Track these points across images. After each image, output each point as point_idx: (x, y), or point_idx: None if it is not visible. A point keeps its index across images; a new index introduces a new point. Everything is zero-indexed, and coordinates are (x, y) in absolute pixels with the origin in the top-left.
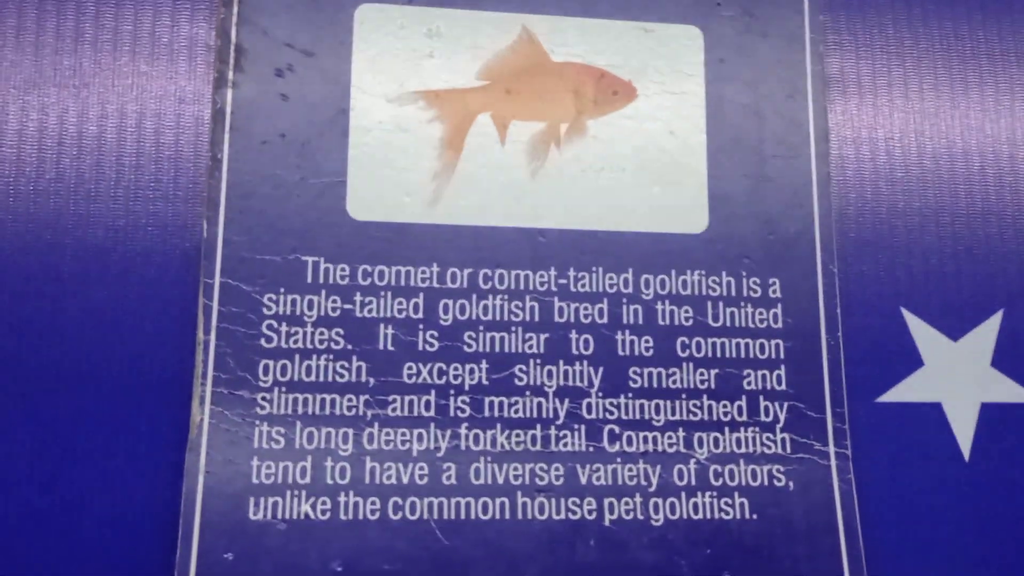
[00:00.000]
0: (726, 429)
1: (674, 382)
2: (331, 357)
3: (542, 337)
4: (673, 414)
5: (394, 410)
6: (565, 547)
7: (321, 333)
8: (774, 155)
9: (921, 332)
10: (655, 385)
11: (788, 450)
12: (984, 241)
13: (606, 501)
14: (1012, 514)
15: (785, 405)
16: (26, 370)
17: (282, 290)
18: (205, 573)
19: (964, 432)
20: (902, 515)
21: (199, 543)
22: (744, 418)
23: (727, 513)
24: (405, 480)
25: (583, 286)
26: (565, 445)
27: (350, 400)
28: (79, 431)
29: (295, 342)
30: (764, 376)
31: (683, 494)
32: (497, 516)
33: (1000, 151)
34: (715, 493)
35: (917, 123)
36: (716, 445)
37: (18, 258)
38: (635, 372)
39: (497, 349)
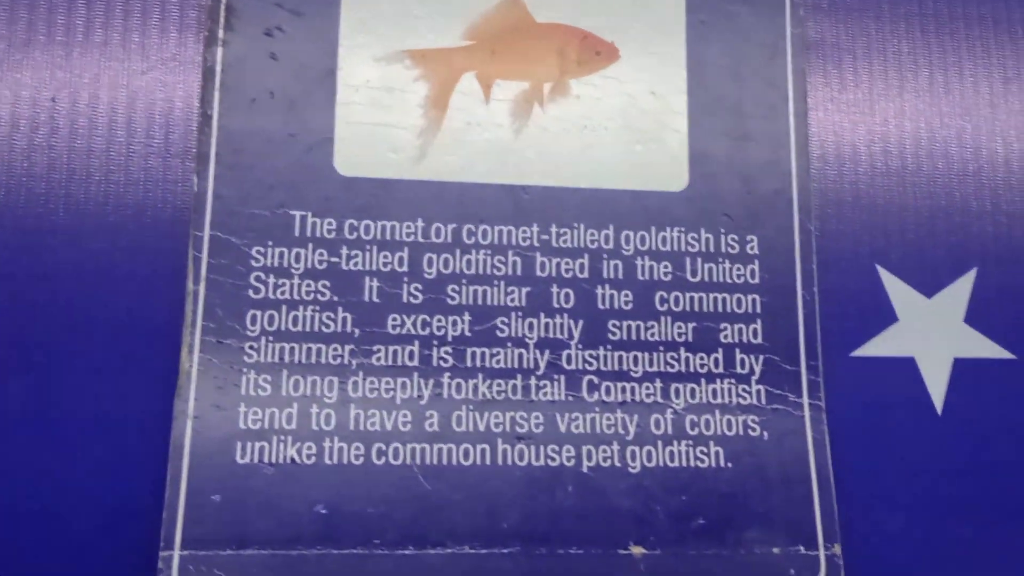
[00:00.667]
0: (702, 380)
1: (652, 335)
2: (317, 308)
3: (524, 290)
4: (651, 365)
5: (378, 359)
6: (544, 493)
7: (308, 285)
8: (753, 115)
9: (896, 289)
10: (633, 337)
11: (763, 401)
12: (959, 200)
13: (584, 448)
14: (983, 466)
15: (761, 358)
16: (19, 320)
17: (270, 243)
18: (193, 514)
19: (937, 386)
20: (875, 466)
21: (187, 485)
22: (720, 370)
23: (702, 461)
24: (389, 427)
25: (565, 241)
26: (545, 395)
27: (335, 350)
28: (71, 378)
29: (282, 293)
30: (740, 330)
31: (660, 443)
32: (478, 462)
33: (977, 112)
34: (691, 442)
35: (895, 84)
36: (692, 396)
37: (12, 211)
38: (614, 325)
39: (480, 302)
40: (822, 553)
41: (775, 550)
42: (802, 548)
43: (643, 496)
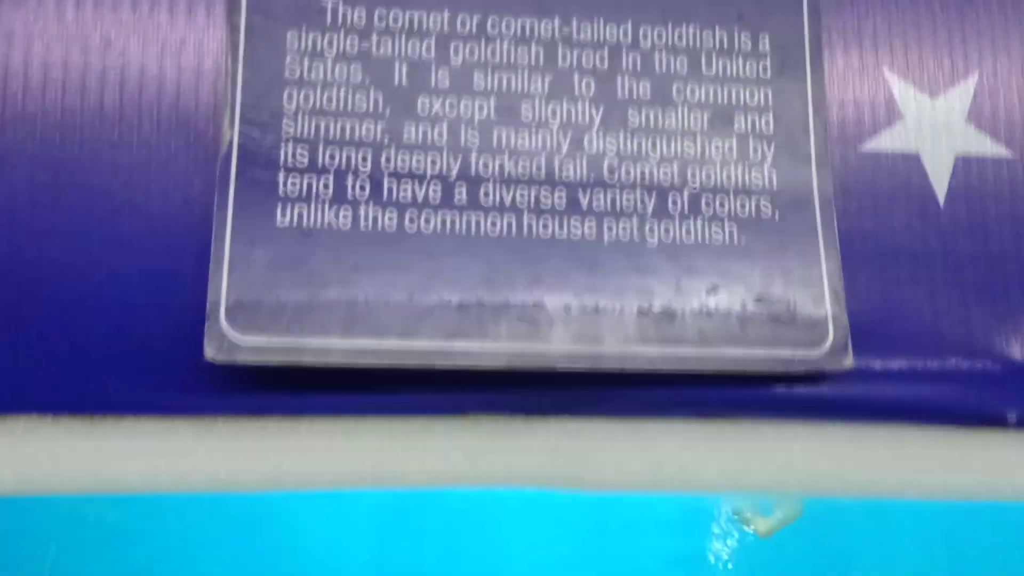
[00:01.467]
0: (717, 164)
1: (668, 123)
2: (350, 89)
3: (546, 79)
4: (668, 150)
5: (409, 137)
6: (567, 261)
7: (340, 67)
8: None
9: (901, 88)
10: (651, 124)
11: (775, 185)
12: (965, 2)
13: (605, 223)
14: (979, 253)
15: (772, 145)
16: (67, 104)
17: (304, 27)
18: (237, 265)
19: (940, 181)
20: (880, 249)
21: (231, 243)
22: (735, 156)
23: (717, 238)
24: (420, 198)
25: (585, 34)
26: (567, 175)
27: (368, 126)
28: (118, 150)
29: (316, 75)
30: (753, 121)
31: (676, 219)
32: (504, 233)
33: None
34: (706, 219)
35: None
36: (708, 178)
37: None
38: (633, 112)
39: (504, 88)
40: (830, 315)
41: (785, 316)
42: (811, 314)
43: (661, 265)
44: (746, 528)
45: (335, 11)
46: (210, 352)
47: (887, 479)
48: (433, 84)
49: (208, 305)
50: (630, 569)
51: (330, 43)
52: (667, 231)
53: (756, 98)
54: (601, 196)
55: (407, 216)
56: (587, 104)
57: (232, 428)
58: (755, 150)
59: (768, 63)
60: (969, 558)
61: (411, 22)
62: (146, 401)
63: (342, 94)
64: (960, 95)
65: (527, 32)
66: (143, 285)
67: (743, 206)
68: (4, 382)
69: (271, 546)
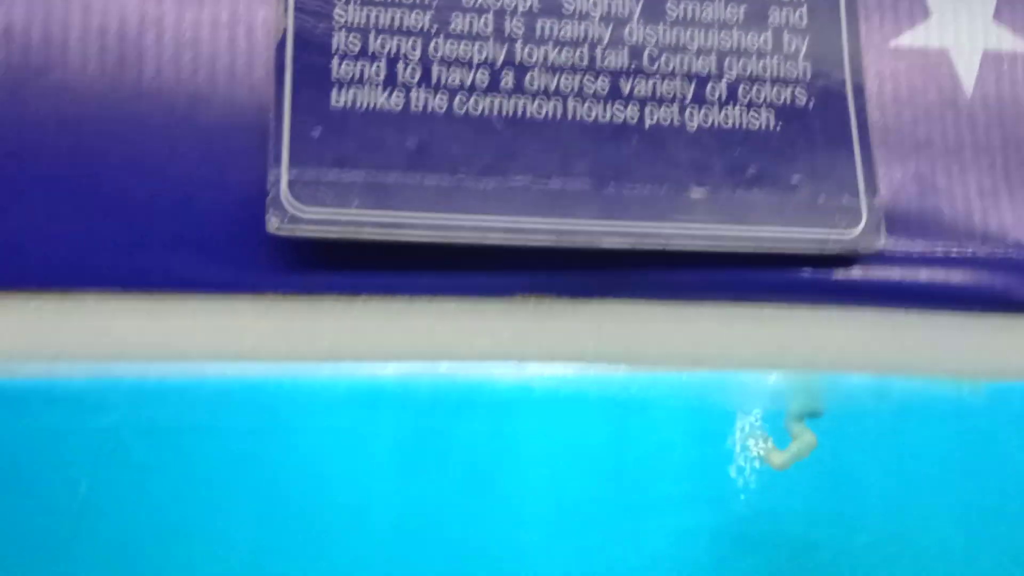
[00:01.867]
0: (754, 56)
1: (706, 16)
2: None
3: None
4: (706, 41)
5: (456, 27)
6: (611, 143)
7: None
8: None
9: None
10: (689, 17)
11: (809, 76)
12: None
13: (647, 108)
14: (1004, 141)
15: (806, 39)
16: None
17: None
18: (296, 141)
19: (968, 75)
20: (912, 144)
21: (290, 122)
22: (769, 48)
23: (754, 124)
24: (468, 83)
25: None
26: (609, 63)
27: (417, 15)
28: (180, 28)
29: None
30: (787, 14)
31: (716, 106)
32: (550, 115)
33: None
34: (744, 106)
35: None
36: (744, 69)
37: None
38: (671, 5)
39: None
40: (863, 202)
41: (821, 199)
42: (846, 198)
43: (701, 150)
44: (763, 459)
45: None
46: (273, 224)
47: (917, 361)
48: None
49: (269, 180)
50: (666, 445)
51: None
52: (706, 117)
53: None
54: (642, 84)
55: (456, 99)
56: None
57: (289, 305)
58: (789, 43)
59: None
60: (993, 438)
61: None
62: (209, 278)
63: None
64: None
65: None
66: (205, 166)
67: (779, 95)
68: (74, 258)
69: (317, 430)
